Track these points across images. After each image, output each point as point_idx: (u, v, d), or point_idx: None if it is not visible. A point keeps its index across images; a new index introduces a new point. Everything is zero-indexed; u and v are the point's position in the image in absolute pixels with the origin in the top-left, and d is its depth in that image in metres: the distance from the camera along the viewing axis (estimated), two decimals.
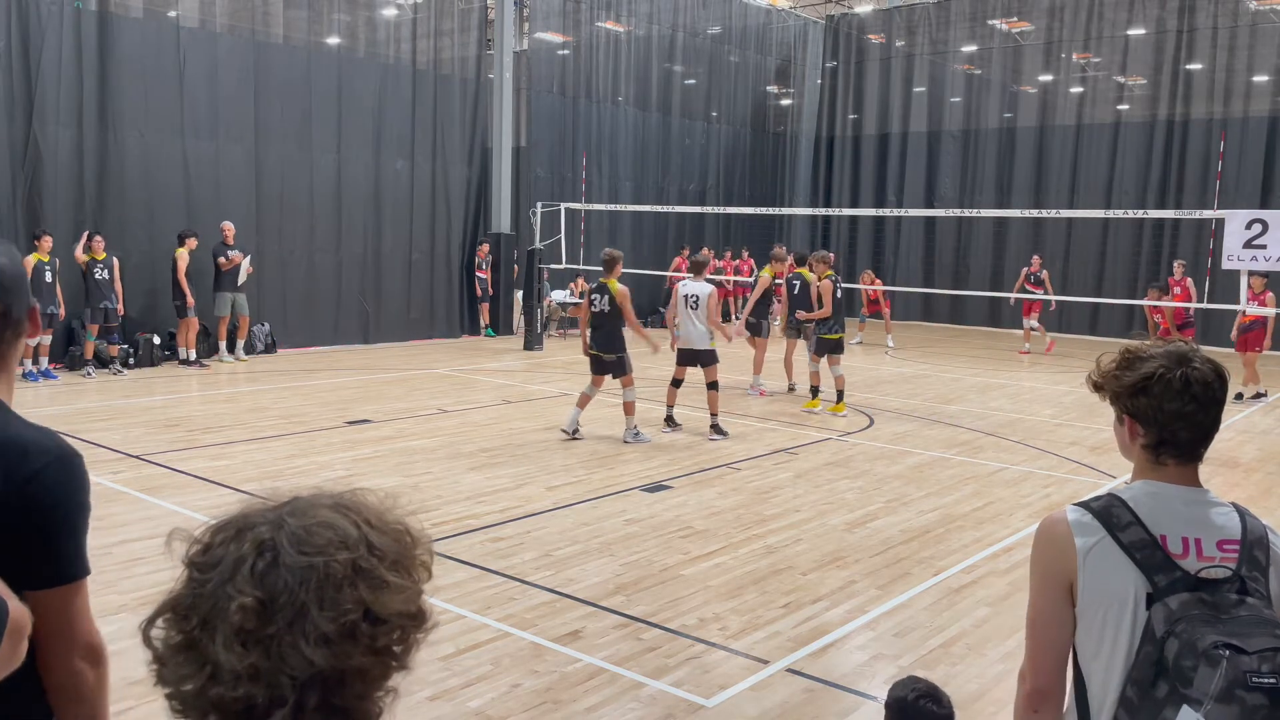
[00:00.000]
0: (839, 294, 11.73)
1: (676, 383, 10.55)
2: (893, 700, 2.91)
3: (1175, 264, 16.56)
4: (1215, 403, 1.95)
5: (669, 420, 10.47)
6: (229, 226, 14.41)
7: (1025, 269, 18.71)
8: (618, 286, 9.77)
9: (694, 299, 10.39)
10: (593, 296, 9.93)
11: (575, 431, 9.83)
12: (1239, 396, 13.20)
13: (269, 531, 1.03)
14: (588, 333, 10.03)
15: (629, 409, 9.89)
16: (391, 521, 1.10)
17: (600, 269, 10.13)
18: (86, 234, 13.06)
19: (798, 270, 13.12)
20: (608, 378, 9.97)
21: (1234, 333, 13.50)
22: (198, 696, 1.00)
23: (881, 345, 18.89)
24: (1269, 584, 1.90)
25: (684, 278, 11.05)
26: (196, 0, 14.93)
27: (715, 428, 10.23)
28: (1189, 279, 16.17)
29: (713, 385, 10.34)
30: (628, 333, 9.95)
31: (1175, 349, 1.97)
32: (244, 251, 14.51)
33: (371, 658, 1.03)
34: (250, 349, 15.36)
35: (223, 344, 14.54)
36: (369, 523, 1.07)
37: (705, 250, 16.20)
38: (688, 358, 10.46)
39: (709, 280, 11.12)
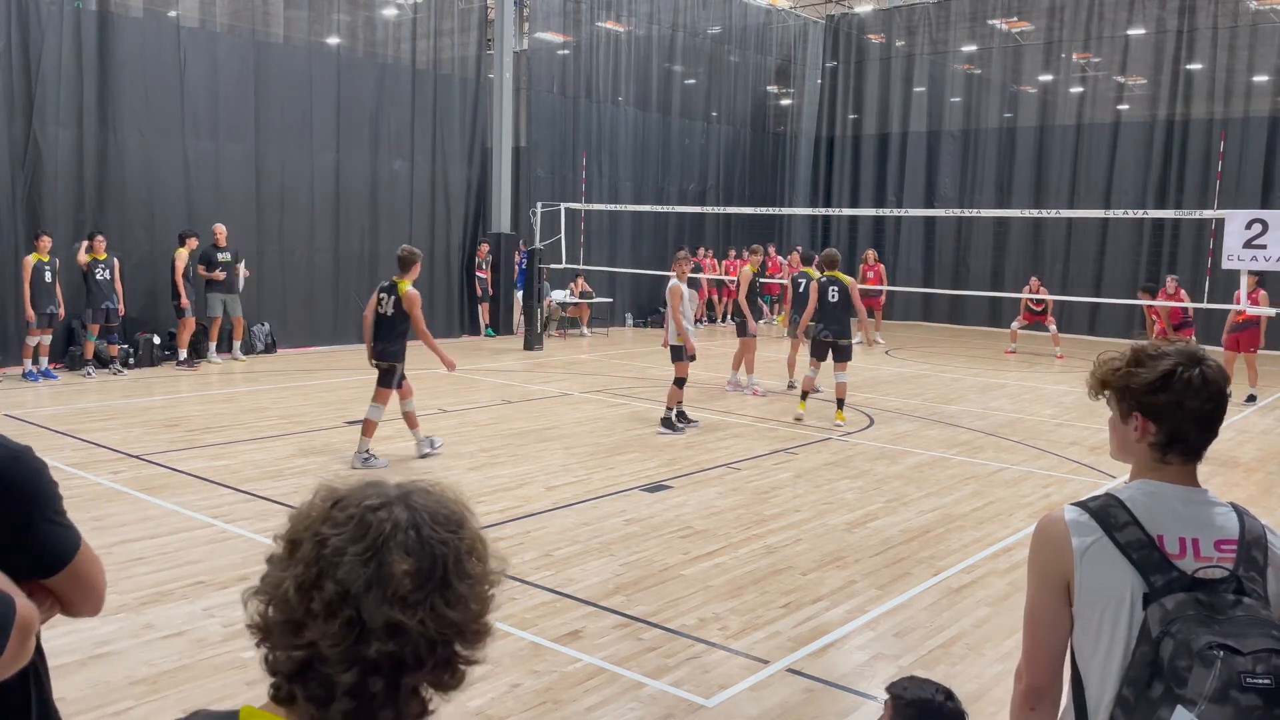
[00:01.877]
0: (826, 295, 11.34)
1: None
2: (913, 700, 2.85)
3: (1169, 279, 15.90)
4: (1226, 401, 1.99)
5: (681, 416, 10.55)
6: (221, 229, 14.39)
7: (1025, 289, 18.23)
8: (408, 289, 8.55)
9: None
10: (380, 296, 8.69)
11: (368, 459, 8.64)
12: (1251, 398, 13.20)
13: (404, 511, 1.18)
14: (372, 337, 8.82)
15: (368, 428, 8.63)
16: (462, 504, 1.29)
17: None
18: (89, 236, 13.06)
19: (803, 269, 13.18)
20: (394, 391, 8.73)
21: (1225, 333, 13.52)
22: (344, 655, 1.13)
23: (879, 344, 18.89)
24: (1267, 584, 1.90)
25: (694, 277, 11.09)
26: (196, 0, 14.94)
27: (666, 421, 10.36)
28: (1182, 290, 15.77)
29: (676, 381, 10.42)
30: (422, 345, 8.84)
31: (1188, 348, 1.99)
32: (235, 254, 14.48)
33: (489, 617, 1.22)
34: (250, 349, 15.37)
35: (212, 345, 14.52)
36: (462, 507, 1.26)
37: (689, 250, 16.40)
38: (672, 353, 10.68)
39: (693, 279, 11.09)
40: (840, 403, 11.09)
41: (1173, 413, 1.95)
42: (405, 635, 1.13)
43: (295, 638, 1.14)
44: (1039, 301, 18.05)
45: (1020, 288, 19.22)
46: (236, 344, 14.81)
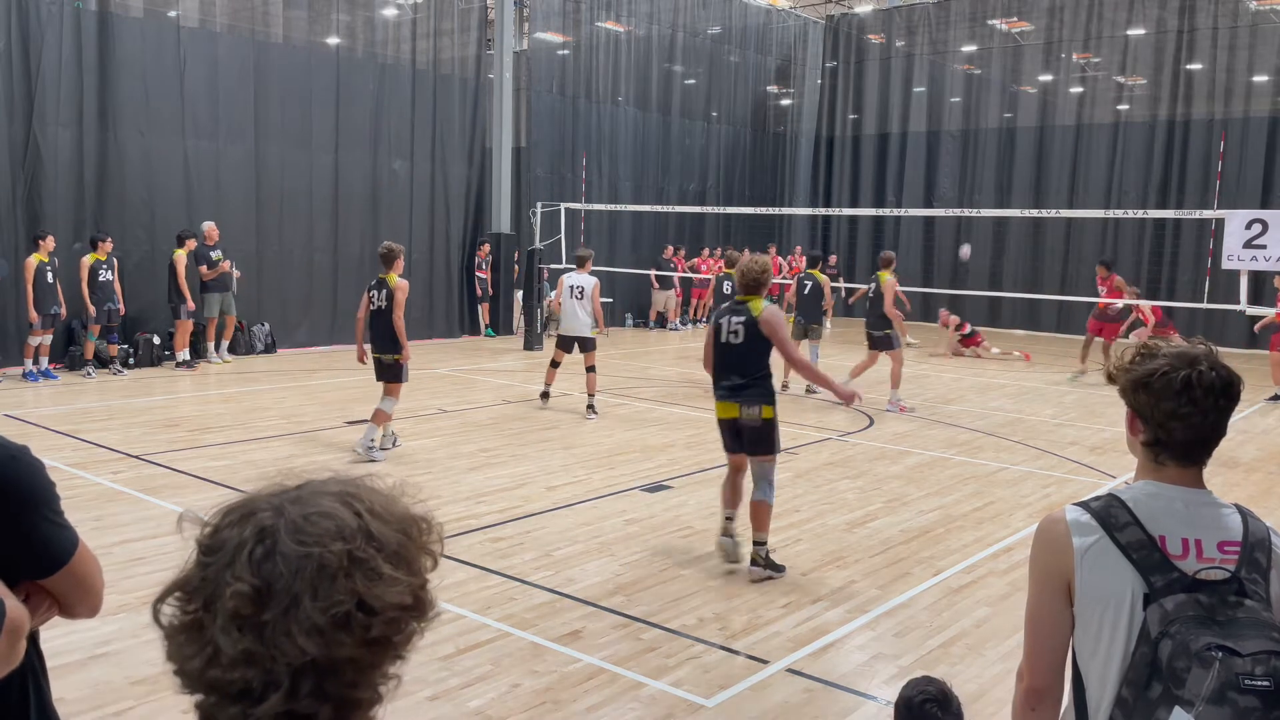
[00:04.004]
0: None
1: (554, 364, 11.55)
2: (900, 700, 2.85)
3: (1098, 267, 15.49)
4: (1216, 409, 1.93)
5: (544, 395, 11.56)
6: (212, 227, 14.37)
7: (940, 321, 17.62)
8: (396, 279, 8.79)
9: (579, 290, 11.23)
10: (371, 292, 8.93)
11: (393, 443, 9.01)
12: (1276, 398, 13.22)
13: (270, 519, 1.03)
14: (364, 335, 9.19)
15: (379, 417, 8.82)
16: (399, 511, 1.10)
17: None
18: (94, 238, 13.03)
19: (809, 270, 13.24)
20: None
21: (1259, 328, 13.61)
22: (200, 676, 1.02)
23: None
24: (1269, 586, 1.89)
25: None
26: (196, 0, 14.93)
27: (590, 408, 11.12)
28: (1115, 277, 15.33)
29: (591, 369, 11.19)
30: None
31: (1187, 350, 1.96)
32: (226, 254, 14.44)
33: (364, 648, 1.03)
34: (250, 349, 15.35)
35: (211, 345, 14.52)
36: (372, 512, 1.07)
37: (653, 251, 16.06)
38: (567, 344, 11.29)
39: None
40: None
41: (1151, 412, 1.94)
42: (240, 662, 0.99)
43: (173, 662, 1.04)
44: (961, 328, 17.94)
45: (1021, 288, 19.07)
46: (224, 344, 14.71)
